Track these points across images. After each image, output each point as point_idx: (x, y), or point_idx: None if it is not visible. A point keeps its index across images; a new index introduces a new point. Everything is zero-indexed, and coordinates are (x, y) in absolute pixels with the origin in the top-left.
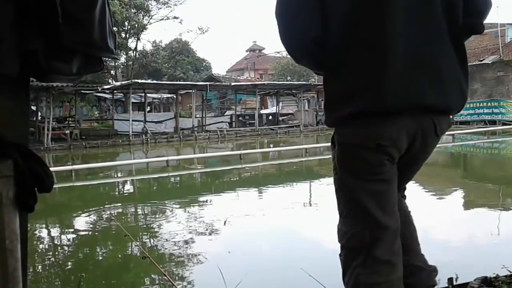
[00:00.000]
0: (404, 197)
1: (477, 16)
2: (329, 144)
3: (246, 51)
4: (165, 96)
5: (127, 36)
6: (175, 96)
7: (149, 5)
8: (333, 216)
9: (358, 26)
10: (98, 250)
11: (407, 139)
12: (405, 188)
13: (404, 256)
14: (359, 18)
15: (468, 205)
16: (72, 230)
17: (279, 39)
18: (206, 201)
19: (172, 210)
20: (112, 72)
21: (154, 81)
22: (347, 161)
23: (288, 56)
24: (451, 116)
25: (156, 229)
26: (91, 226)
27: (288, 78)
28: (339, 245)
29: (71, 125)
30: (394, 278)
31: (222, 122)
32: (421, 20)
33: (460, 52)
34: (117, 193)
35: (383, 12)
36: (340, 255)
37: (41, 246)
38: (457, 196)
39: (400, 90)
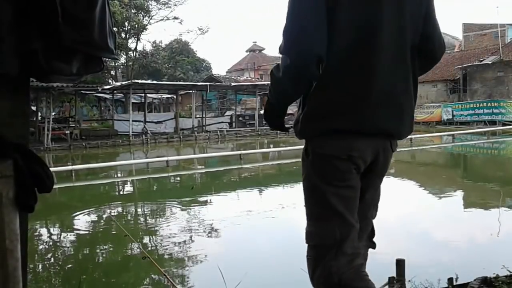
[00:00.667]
0: (374, 245)
1: (432, 61)
2: None
3: (246, 51)
4: (165, 97)
5: (127, 36)
6: (175, 96)
7: (149, 5)
8: None
9: (352, 57)
10: (98, 250)
11: (371, 154)
12: (373, 234)
13: None
14: (354, 49)
15: (468, 205)
16: (72, 230)
17: (280, 50)
18: (206, 201)
19: (172, 210)
20: (112, 72)
21: (154, 82)
22: (322, 169)
23: None
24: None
25: (156, 229)
26: (91, 226)
27: None
28: None
29: (71, 125)
30: (357, 264)
31: (222, 122)
32: (395, 61)
33: (416, 90)
34: (117, 193)
35: (372, 50)
36: (308, 256)
37: (41, 246)
38: (457, 196)
39: (372, 118)
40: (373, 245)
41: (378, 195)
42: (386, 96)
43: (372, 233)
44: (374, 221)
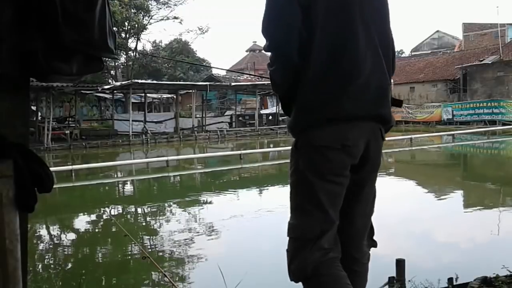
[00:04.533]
0: (375, 243)
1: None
2: None
3: (246, 51)
4: (165, 96)
5: (127, 36)
6: (175, 96)
7: (149, 5)
8: None
9: (333, 45)
10: (98, 250)
11: (364, 143)
12: (372, 233)
13: None
14: (335, 36)
15: (468, 205)
16: (72, 230)
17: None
18: (206, 201)
19: (172, 210)
20: (112, 72)
21: (154, 81)
22: (314, 162)
23: None
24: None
25: (156, 229)
26: (91, 226)
27: None
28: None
29: (71, 125)
30: (332, 257)
31: (222, 122)
32: (374, 43)
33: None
34: (117, 193)
35: (351, 33)
36: (287, 249)
37: (41, 246)
38: (457, 196)
39: (362, 102)
40: (375, 243)
41: (375, 191)
42: (373, 79)
43: (371, 231)
44: (374, 221)
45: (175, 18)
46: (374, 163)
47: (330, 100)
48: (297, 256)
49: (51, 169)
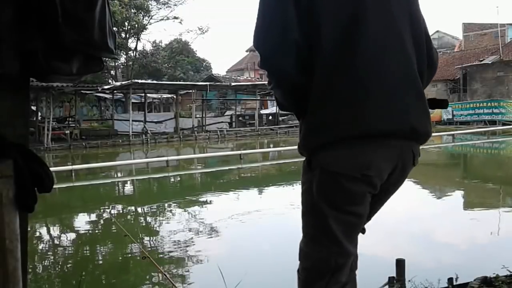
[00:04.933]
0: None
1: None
2: None
3: (246, 51)
4: (165, 96)
5: (127, 36)
6: (175, 96)
7: (149, 5)
8: None
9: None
10: (98, 250)
11: (390, 167)
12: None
13: None
14: (343, 36)
15: (468, 205)
16: (72, 230)
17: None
18: (206, 201)
19: (172, 210)
20: (112, 72)
21: (154, 81)
22: (327, 189)
23: None
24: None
25: (156, 229)
26: (91, 226)
27: None
28: None
29: (71, 125)
30: None
31: (222, 122)
32: (393, 42)
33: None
34: (117, 193)
35: (362, 29)
36: (299, 272)
37: (41, 246)
38: (457, 195)
39: (386, 111)
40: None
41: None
42: (398, 82)
43: None
44: (374, 221)
45: (175, 18)
46: (393, 188)
47: (343, 112)
48: None
49: (51, 169)
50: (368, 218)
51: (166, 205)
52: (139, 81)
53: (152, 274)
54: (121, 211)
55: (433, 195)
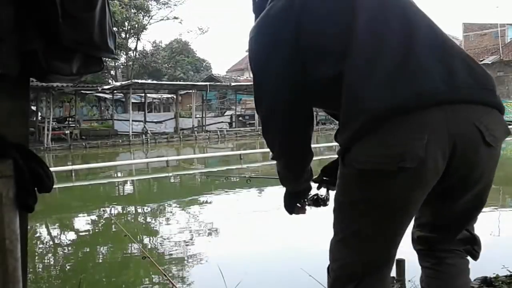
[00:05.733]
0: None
1: None
2: (329, 144)
3: (246, 51)
4: (165, 96)
5: (127, 36)
6: (175, 96)
7: (149, 5)
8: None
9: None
10: (98, 250)
11: (446, 147)
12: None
13: None
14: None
15: None
16: (72, 230)
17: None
18: (206, 201)
19: (172, 210)
20: (112, 72)
21: (154, 81)
22: (361, 190)
23: None
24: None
25: (156, 229)
26: (91, 226)
27: None
28: None
29: (71, 125)
30: None
31: (222, 122)
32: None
33: None
34: (117, 193)
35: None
36: (328, 271)
37: (41, 246)
38: None
39: (428, 74)
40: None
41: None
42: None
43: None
44: None
45: (175, 18)
46: (471, 183)
47: (371, 88)
48: None
49: (51, 169)
50: (458, 227)
51: (166, 205)
52: (139, 81)
53: (152, 274)
54: (121, 211)
55: None
